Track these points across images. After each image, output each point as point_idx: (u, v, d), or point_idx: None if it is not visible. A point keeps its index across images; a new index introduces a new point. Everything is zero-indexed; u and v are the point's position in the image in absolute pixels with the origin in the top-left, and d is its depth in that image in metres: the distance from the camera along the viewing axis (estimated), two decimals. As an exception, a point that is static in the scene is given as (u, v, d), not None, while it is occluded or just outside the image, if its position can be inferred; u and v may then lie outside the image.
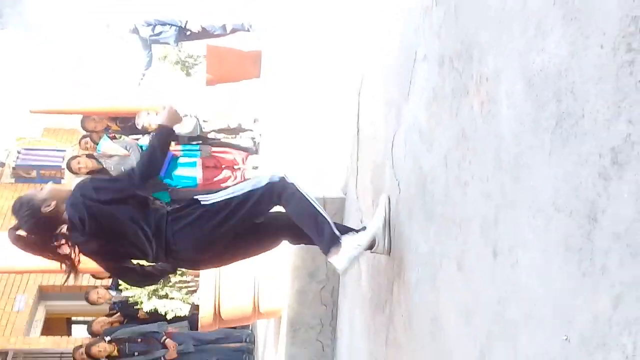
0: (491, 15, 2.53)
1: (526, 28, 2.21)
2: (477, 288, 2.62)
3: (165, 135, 3.99)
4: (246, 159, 9.15)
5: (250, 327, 8.97)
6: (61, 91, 11.15)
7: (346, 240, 3.72)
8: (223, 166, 9.08)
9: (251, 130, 9.64)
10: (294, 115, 7.16)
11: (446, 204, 2.99)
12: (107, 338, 8.87)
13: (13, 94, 12.62)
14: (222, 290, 5.85)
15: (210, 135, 9.64)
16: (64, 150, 13.67)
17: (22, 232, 3.90)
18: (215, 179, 9.05)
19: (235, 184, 4.02)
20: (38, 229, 3.87)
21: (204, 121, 9.50)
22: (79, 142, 9.89)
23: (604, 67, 1.75)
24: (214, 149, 9.35)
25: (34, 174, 13.51)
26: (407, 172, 3.66)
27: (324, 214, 3.83)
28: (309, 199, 3.85)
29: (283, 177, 3.89)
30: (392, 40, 4.05)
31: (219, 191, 3.95)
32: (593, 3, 1.81)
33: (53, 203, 3.83)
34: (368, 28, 4.72)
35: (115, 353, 8.80)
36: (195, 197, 3.95)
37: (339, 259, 3.70)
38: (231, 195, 3.87)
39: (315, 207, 3.84)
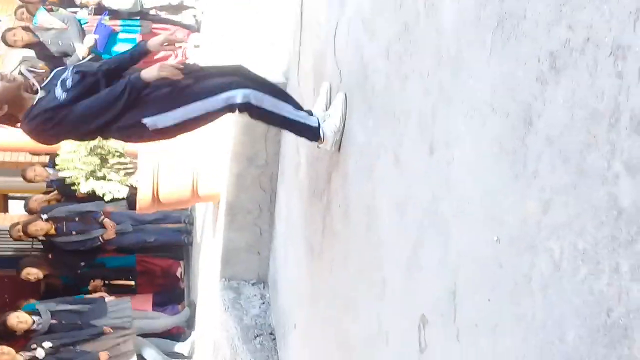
0: None
1: None
2: (412, 182, 2.63)
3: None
4: (188, 36, 8.95)
5: (189, 209, 8.99)
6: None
7: (326, 128, 3.67)
8: (164, 44, 8.88)
9: (193, 8, 9.41)
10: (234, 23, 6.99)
11: (385, 96, 2.97)
12: (44, 216, 8.79)
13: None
14: (161, 173, 5.80)
15: (151, 12, 9.40)
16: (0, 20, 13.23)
17: None
18: (156, 57, 8.85)
19: (188, 103, 3.60)
20: None
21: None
22: (15, 13, 9.55)
23: (548, -33, 1.72)
24: (154, 25, 9.12)
25: (-33, 43, 13.09)
26: (348, 61, 3.62)
27: (292, 113, 3.69)
28: (275, 111, 3.65)
29: (246, 98, 3.56)
30: None
31: (167, 111, 3.59)
32: None
33: (5, 107, 3.65)
34: None
35: (53, 231, 8.74)
36: (142, 120, 3.59)
37: (326, 146, 3.72)
38: (184, 119, 3.61)
39: (284, 116, 3.67)
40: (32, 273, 8.67)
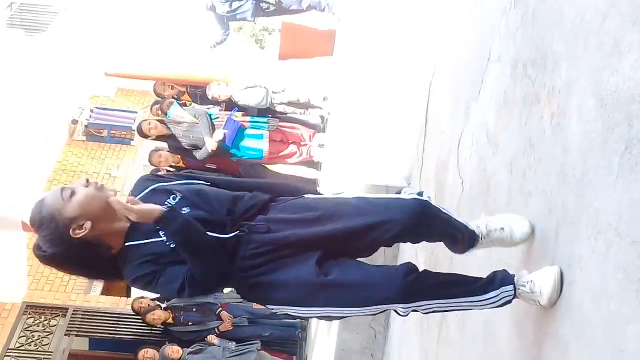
0: (568, 25, 2.48)
1: (602, 45, 2.17)
2: (532, 300, 2.59)
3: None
4: (313, 136, 9.14)
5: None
6: (136, 55, 11.30)
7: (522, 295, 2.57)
8: (289, 141, 9.09)
9: (320, 108, 9.64)
10: (364, 98, 7.13)
11: (508, 210, 2.96)
12: (163, 305, 9.01)
13: (90, 52, 12.81)
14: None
15: (279, 108, 9.68)
16: (136, 112, 13.82)
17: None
18: (281, 154, 9.09)
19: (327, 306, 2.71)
20: (69, 255, 2.77)
21: (273, 92, 9.52)
22: (151, 108, 10.02)
23: (679, 98, 1.72)
24: (281, 123, 9.39)
25: (104, 133, 13.65)
26: (471, 171, 3.63)
27: (469, 304, 2.66)
28: (448, 309, 2.71)
29: (408, 311, 2.68)
30: (467, 36, 4.02)
31: (301, 306, 2.74)
32: (673, 31, 1.76)
33: (87, 225, 2.69)
34: (444, 18, 4.68)
35: (170, 320, 8.95)
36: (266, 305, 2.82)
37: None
38: (322, 315, 2.80)
39: (459, 309, 2.72)
40: (150, 354, 8.81)
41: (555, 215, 2.44)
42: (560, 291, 2.39)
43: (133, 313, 9.80)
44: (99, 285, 11.57)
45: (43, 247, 2.76)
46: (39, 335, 10.09)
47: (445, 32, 4.59)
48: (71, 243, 2.70)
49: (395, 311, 2.72)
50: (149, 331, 9.91)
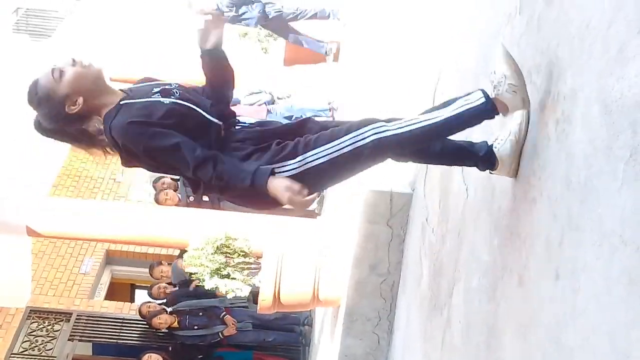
0: (573, 31, 2.49)
1: (608, 50, 2.17)
2: (536, 306, 2.59)
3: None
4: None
5: (309, 310, 9.03)
6: (142, 60, 11.32)
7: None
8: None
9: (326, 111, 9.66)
10: (368, 103, 7.14)
11: (512, 217, 2.96)
12: (169, 309, 9.04)
13: (95, 57, 12.82)
14: (283, 276, 5.90)
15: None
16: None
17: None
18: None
19: (306, 151, 2.93)
20: (65, 127, 3.10)
21: (278, 98, 9.55)
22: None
23: (684, 104, 1.72)
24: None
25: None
26: (475, 178, 3.63)
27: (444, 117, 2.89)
28: (414, 127, 2.87)
29: (374, 131, 2.87)
30: (472, 42, 4.02)
31: (295, 154, 2.93)
32: (678, 38, 1.76)
33: (80, 101, 2.99)
34: (449, 25, 4.68)
35: (176, 324, 8.96)
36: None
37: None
38: (303, 167, 2.91)
39: (431, 124, 2.88)
40: (153, 359, 8.82)
41: (559, 221, 2.43)
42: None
43: (137, 318, 9.83)
44: (103, 289, 11.59)
45: (43, 122, 3.10)
46: (42, 340, 10.10)
47: (450, 38, 4.59)
48: (68, 118, 3.03)
49: (360, 146, 2.85)
50: (152, 336, 9.92)
